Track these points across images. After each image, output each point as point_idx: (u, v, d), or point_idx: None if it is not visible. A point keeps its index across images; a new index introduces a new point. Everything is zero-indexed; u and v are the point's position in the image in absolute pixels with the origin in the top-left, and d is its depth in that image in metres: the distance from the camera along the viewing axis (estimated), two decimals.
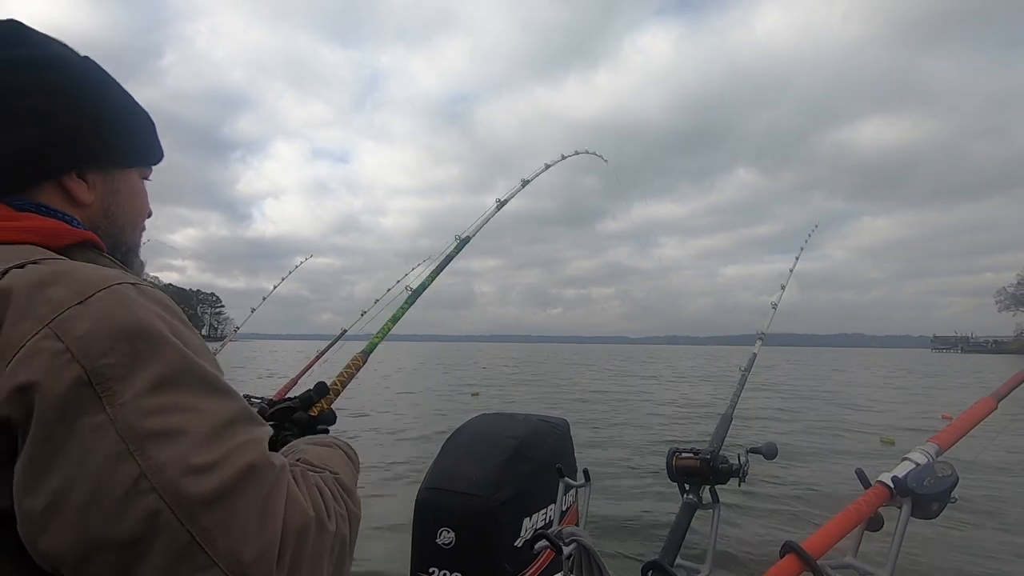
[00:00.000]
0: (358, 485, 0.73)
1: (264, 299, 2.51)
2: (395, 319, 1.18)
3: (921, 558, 3.87)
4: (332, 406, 1.00)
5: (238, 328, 2.49)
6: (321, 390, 0.99)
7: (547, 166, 1.71)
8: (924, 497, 0.78)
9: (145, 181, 0.72)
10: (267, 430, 0.52)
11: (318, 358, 1.97)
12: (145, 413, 0.43)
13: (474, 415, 2.18)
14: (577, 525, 1.33)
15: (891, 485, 0.80)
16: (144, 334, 0.46)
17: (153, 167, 0.73)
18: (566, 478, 1.17)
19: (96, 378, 0.43)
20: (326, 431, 0.94)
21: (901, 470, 0.82)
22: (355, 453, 0.77)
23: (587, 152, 1.95)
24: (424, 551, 1.68)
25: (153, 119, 0.71)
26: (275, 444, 0.83)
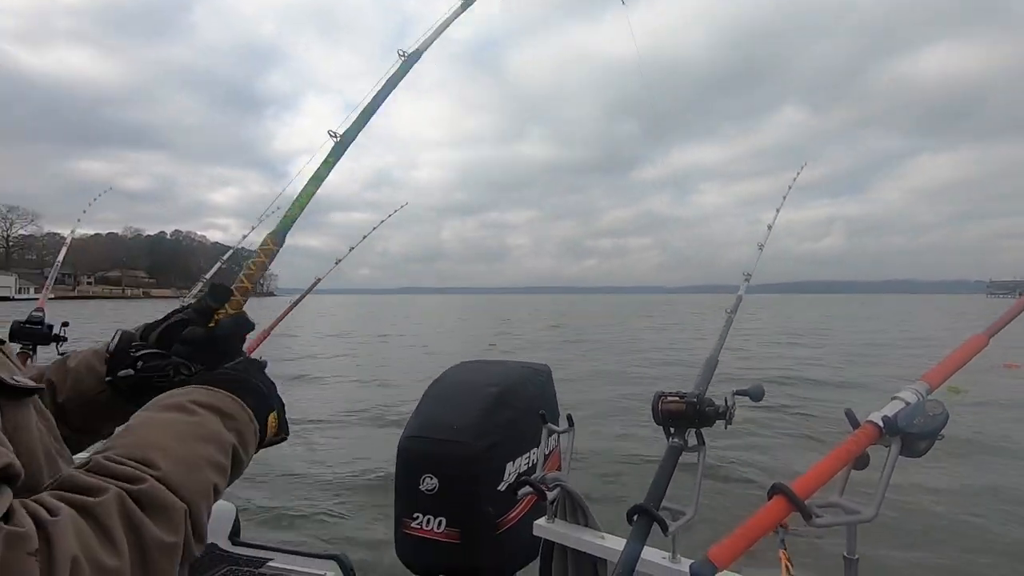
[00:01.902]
0: (252, 447, 0.60)
1: (351, 249, 2.29)
2: (318, 179, 0.94)
3: (906, 494, 4.06)
4: (244, 310, 0.78)
5: (320, 279, 2.28)
6: (219, 292, 0.76)
7: None
8: (913, 436, 0.77)
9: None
10: None
11: (292, 307, 1.90)
12: None
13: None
14: (560, 470, 1.33)
15: (881, 424, 0.78)
16: None
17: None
18: (549, 424, 1.15)
19: None
20: (231, 348, 0.74)
21: (891, 409, 0.80)
22: (243, 407, 0.60)
23: None
24: (408, 497, 1.68)
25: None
26: (150, 385, 0.67)
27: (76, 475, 0.45)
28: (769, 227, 1.54)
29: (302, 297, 2.02)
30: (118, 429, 0.59)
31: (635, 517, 0.85)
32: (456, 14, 1.13)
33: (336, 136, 0.96)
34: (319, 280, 2.06)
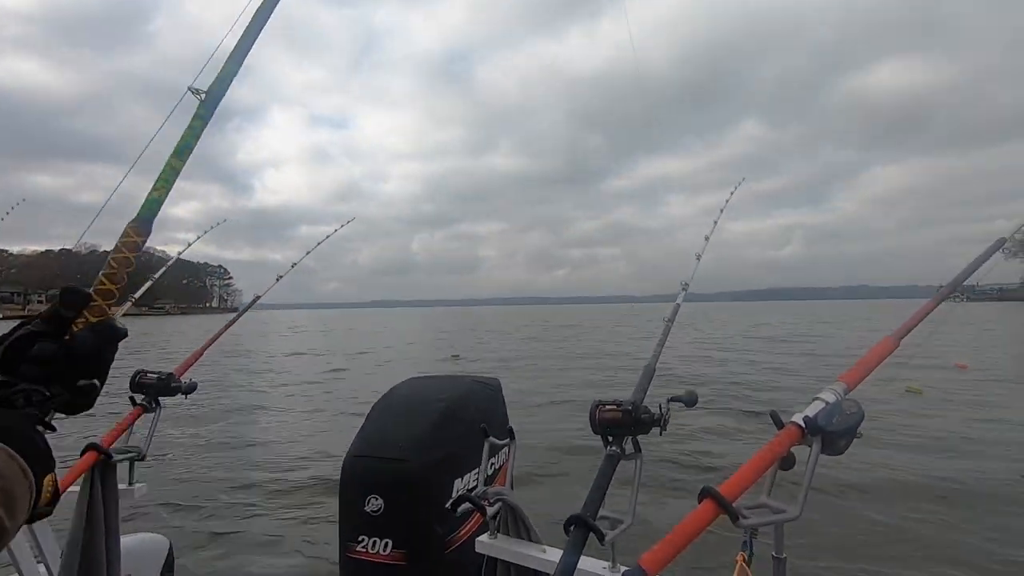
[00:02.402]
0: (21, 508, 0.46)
1: (294, 265, 2.22)
2: (182, 151, 0.79)
3: (831, 493, 4.23)
4: (109, 320, 0.64)
5: (259, 296, 2.18)
6: (73, 297, 0.61)
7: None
8: (833, 435, 0.79)
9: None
10: None
11: (227, 327, 1.83)
12: None
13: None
14: (509, 485, 1.31)
15: (803, 424, 0.81)
16: None
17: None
18: (491, 437, 1.13)
19: None
20: (95, 365, 0.61)
21: (812, 409, 0.83)
22: (9, 458, 0.47)
23: None
24: (352, 520, 1.62)
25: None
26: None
27: None
28: (706, 238, 1.59)
29: (239, 316, 1.95)
30: None
31: (571, 528, 0.85)
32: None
33: (201, 93, 0.80)
34: (258, 298, 1.99)
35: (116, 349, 0.64)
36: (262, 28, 0.88)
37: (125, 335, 0.64)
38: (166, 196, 0.78)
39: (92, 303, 0.63)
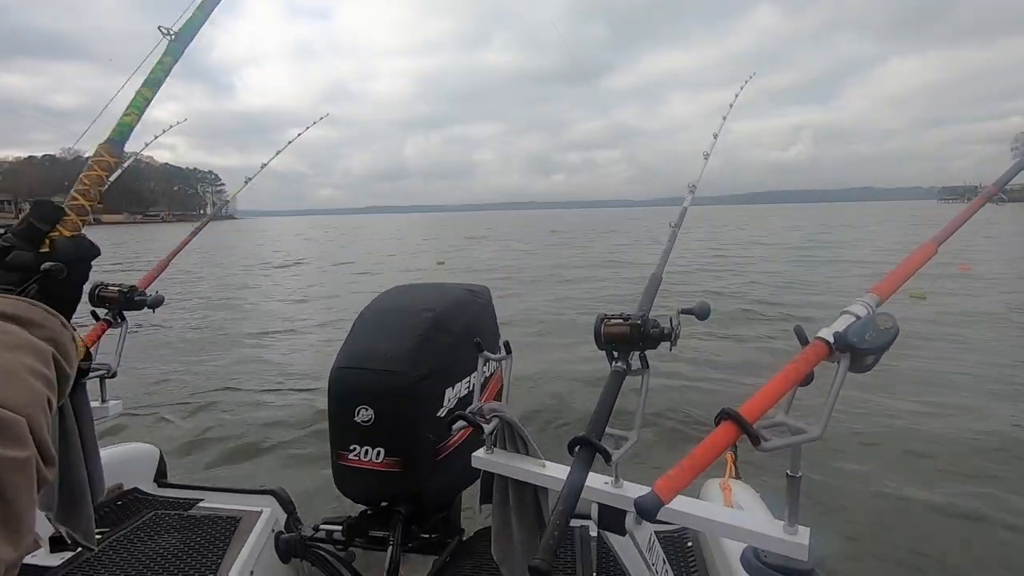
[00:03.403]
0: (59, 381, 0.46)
1: (263, 166, 2.10)
2: (153, 83, 0.83)
3: (849, 411, 3.91)
4: (83, 232, 0.68)
5: (228, 201, 2.07)
6: (45, 211, 0.64)
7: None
8: (863, 351, 0.73)
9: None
10: None
11: (191, 237, 1.69)
12: None
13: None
14: (500, 398, 1.28)
15: (831, 341, 0.74)
16: None
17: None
18: (485, 352, 1.07)
19: None
20: (80, 279, 0.65)
21: (841, 324, 0.76)
22: (48, 314, 0.48)
23: None
24: (343, 430, 1.60)
25: None
26: None
27: None
28: (715, 135, 1.46)
29: (201, 226, 1.80)
30: None
31: (576, 448, 0.80)
32: None
33: (171, 34, 0.85)
34: (226, 203, 1.84)
35: (90, 267, 0.68)
36: None
37: (99, 253, 0.68)
38: (137, 121, 0.83)
39: (65, 216, 0.66)
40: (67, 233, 0.65)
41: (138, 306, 1.50)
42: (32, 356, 0.44)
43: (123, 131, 0.81)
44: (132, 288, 1.50)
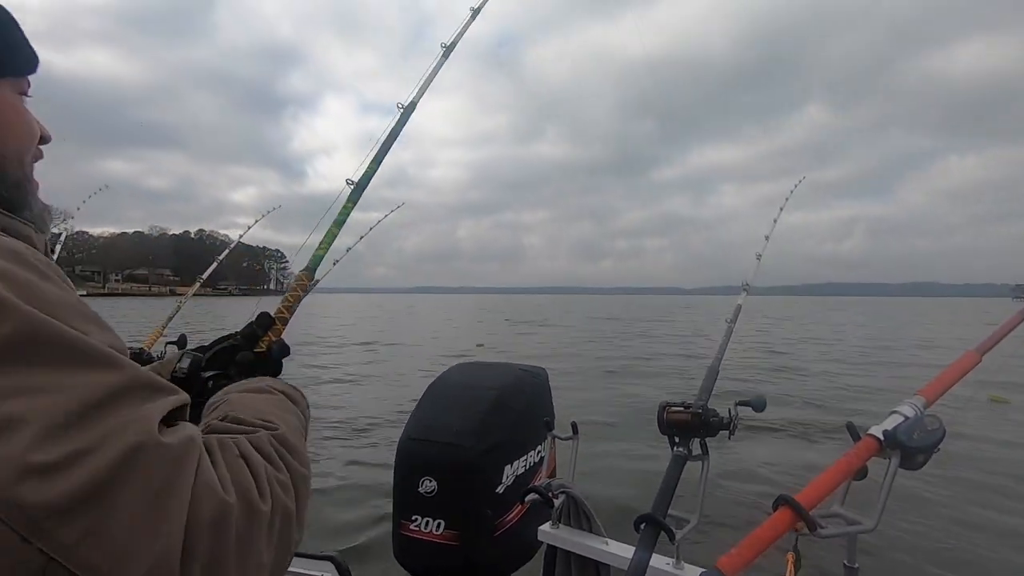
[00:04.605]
0: (307, 432, 0.65)
1: (348, 250, 2.41)
2: (339, 223, 1.05)
3: (903, 506, 3.88)
4: (283, 337, 0.89)
5: (316, 282, 2.33)
6: (264, 321, 0.88)
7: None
8: (912, 450, 0.80)
9: (26, 98, 0.57)
10: (170, 401, 0.43)
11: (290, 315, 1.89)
12: None
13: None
14: (555, 475, 1.35)
15: (881, 438, 0.81)
16: None
17: (30, 78, 0.57)
18: (554, 432, 1.17)
19: None
20: (278, 369, 0.86)
21: (890, 423, 0.83)
22: (301, 395, 0.69)
23: None
24: (407, 500, 1.69)
25: (15, 17, 0.54)
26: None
27: (230, 419, 0.54)
28: (767, 237, 1.57)
29: (296, 303, 2.02)
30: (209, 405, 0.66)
31: (642, 526, 0.87)
32: (439, 64, 1.24)
33: (352, 183, 1.10)
34: (316, 282, 2.05)
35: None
36: (397, 137, 1.16)
37: (290, 352, 0.89)
38: (326, 252, 1.06)
39: (274, 326, 0.89)
40: (273, 337, 0.87)
41: None
42: (297, 420, 0.62)
43: (316, 261, 1.03)
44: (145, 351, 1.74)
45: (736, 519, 3.69)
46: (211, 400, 0.63)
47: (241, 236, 2.37)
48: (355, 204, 1.08)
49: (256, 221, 2.43)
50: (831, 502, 0.84)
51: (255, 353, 0.84)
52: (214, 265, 2.18)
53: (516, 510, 1.75)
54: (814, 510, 0.78)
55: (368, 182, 1.10)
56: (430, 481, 1.65)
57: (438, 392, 1.89)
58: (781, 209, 1.67)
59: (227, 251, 2.22)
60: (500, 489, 1.71)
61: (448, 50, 1.24)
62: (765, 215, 1.65)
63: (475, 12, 1.34)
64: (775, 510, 0.77)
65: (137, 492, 0.36)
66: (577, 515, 1.09)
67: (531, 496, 1.05)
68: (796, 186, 1.74)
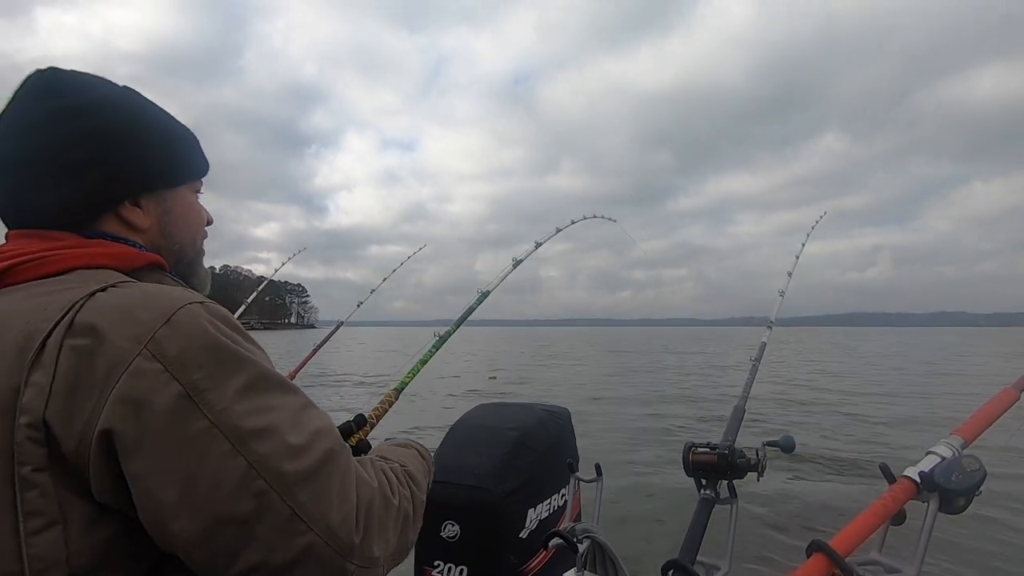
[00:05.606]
0: (430, 480, 0.83)
1: (372, 292, 2.52)
2: (424, 361, 1.37)
3: (946, 552, 3.62)
4: (368, 437, 1.15)
5: (343, 321, 2.45)
6: (359, 422, 1.14)
7: (558, 230, 1.90)
8: (951, 492, 0.77)
9: (199, 193, 0.76)
10: (328, 416, 0.61)
11: (314, 352, 1.93)
12: (240, 416, 0.51)
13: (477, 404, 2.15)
14: (579, 519, 1.32)
15: (918, 480, 0.78)
16: (223, 349, 0.53)
17: (203, 177, 0.77)
18: (578, 474, 1.15)
19: (193, 391, 0.50)
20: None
21: (927, 464, 0.80)
22: (427, 452, 0.86)
23: (596, 216, 2.16)
24: (429, 545, 1.66)
25: (195, 134, 0.75)
26: None
27: (377, 454, 0.74)
28: (789, 273, 1.56)
29: (324, 342, 2.07)
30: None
31: (670, 573, 0.85)
32: (509, 271, 1.61)
33: (437, 335, 1.48)
34: (341, 324, 2.10)
35: None
36: (471, 312, 1.58)
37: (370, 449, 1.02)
38: (411, 381, 1.45)
39: (365, 427, 1.16)
40: (363, 437, 1.15)
41: None
42: (424, 467, 0.79)
43: (403, 385, 1.35)
44: None
45: (768, 564, 3.50)
46: (374, 448, 0.82)
47: (276, 271, 2.46)
48: (436, 351, 1.48)
49: (283, 263, 2.51)
50: (868, 548, 0.80)
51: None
52: (248, 301, 2.27)
53: (540, 556, 1.71)
54: (850, 557, 0.75)
55: (448, 338, 1.49)
56: (453, 525, 1.62)
57: (459, 434, 1.88)
58: (803, 245, 1.66)
59: (260, 288, 2.30)
60: (523, 534, 1.67)
61: (484, 296, 1.58)
62: (784, 244, 1.64)
63: (517, 263, 1.59)
64: (808, 557, 0.74)
65: (334, 474, 0.55)
66: (603, 561, 1.06)
67: (555, 541, 1.02)
68: (818, 221, 1.73)
